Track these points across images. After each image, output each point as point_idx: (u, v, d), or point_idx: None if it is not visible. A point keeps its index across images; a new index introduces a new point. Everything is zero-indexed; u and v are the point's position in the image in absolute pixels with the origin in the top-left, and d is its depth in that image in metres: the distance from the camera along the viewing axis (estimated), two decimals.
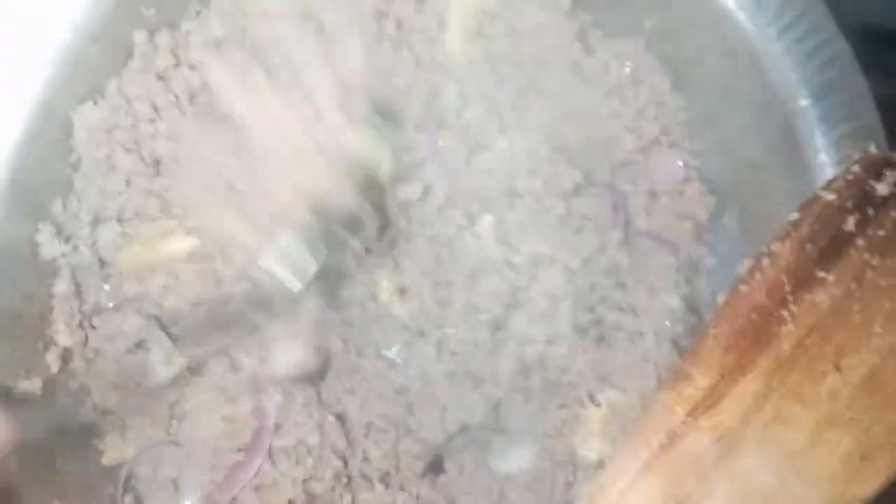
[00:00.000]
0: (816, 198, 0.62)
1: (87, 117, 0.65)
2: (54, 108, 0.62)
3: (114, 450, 0.67)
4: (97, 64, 0.65)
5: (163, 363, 0.65)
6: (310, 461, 0.65)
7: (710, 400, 0.59)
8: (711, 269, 0.80)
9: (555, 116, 0.73)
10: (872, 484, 0.60)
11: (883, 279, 0.60)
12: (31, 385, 0.61)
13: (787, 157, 0.67)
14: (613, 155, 0.75)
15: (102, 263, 0.69)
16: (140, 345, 0.67)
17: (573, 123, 0.74)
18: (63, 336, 0.67)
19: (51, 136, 0.63)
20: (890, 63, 0.97)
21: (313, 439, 0.65)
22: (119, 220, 0.69)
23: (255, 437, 0.66)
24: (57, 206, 0.66)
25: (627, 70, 0.75)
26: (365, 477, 0.67)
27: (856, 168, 0.62)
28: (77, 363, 0.68)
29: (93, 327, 0.69)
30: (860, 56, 0.66)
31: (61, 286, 0.66)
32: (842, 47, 0.64)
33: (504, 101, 0.72)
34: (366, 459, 0.68)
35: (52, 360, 0.65)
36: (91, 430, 0.69)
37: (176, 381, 0.66)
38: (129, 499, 0.67)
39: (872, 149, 0.63)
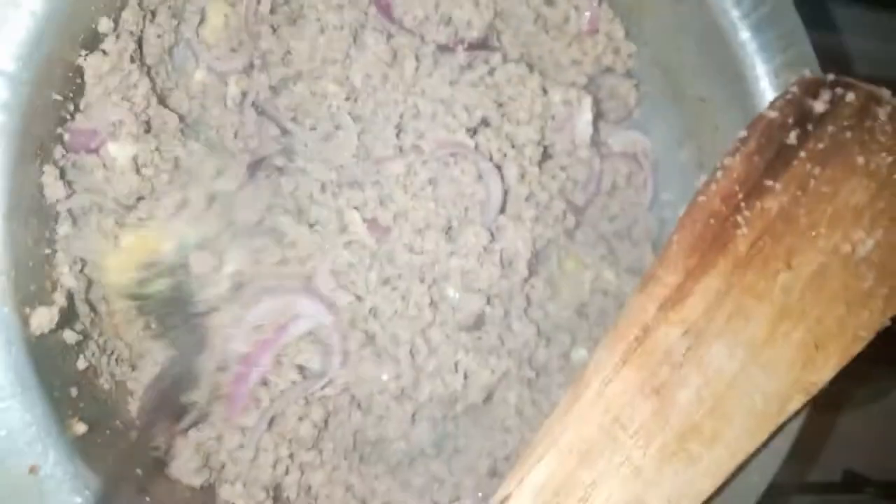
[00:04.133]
0: (761, 116, 0.69)
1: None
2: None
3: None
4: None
5: None
6: None
7: (677, 296, 0.65)
8: (672, 204, 0.87)
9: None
10: (826, 370, 0.66)
11: (824, 186, 0.67)
12: (49, 312, 0.63)
13: (732, 89, 0.74)
14: None
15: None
16: None
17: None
18: (67, 278, 0.70)
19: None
20: (828, 15, 1.06)
21: None
22: None
23: None
24: (59, 151, 0.69)
25: (586, 20, 0.82)
26: None
27: (794, 89, 0.70)
28: (80, 305, 0.72)
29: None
30: (802, 10, 0.73)
31: (64, 229, 0.69)
32: None
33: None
34: None
35: (59, 299, 0.68)
36: (95, 370, 0.73)
37: None
38: None
39: (808, 73, 0.71)
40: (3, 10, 0.60)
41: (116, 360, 0.77)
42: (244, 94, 0.79)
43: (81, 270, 0.73)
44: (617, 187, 0.88)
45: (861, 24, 1.11)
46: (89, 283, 0.75)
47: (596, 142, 0.86)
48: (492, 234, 0.76)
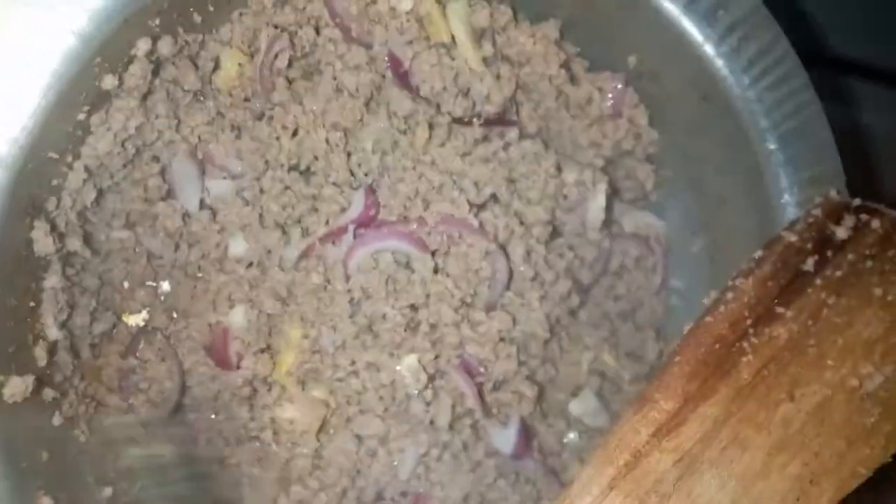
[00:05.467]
0: (779, 238, 0.66)
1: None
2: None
3: None
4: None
5: None
6: None
7: (673, 423, 0.62)
8: (681, 292, 0.85)
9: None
10: None
11: (837, 317, 0.65)
12: (23, 382, 0.62)
13: (754, 196, 0.72)
14: None
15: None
16: None
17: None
18: (51, 330, 0.68)
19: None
20: (846, 91, 1.03)
21: None
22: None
23: None
24: (51, 204, 0.67)
25: (609, 103, 0.79)
26: None
27: (817, 211, 0.67)
28: (62, 355, 0.70)
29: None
30: (825, 86, 0.71)
31: (52, 280, 0.68)
32: (810, 97, 0.68)
33: None
34: None
35: (40, 354, 0.67)
36: (72, 421, 0.71)
37: None
38: None
39: (833, 194, 0.68)
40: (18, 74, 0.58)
41: (96, 406, 0.76)
42: None
43: (68, 319, 0.72)
44: (625, 268, 0.86)
45: (883, 103, 1.07)
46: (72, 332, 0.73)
47: (608, 220, 0.83)
48: (513, 318, 0.74)
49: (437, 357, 0.71)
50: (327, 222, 0.73)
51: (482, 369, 0.74)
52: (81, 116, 0.66)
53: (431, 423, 0.72)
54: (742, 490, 0.63)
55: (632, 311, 0.87)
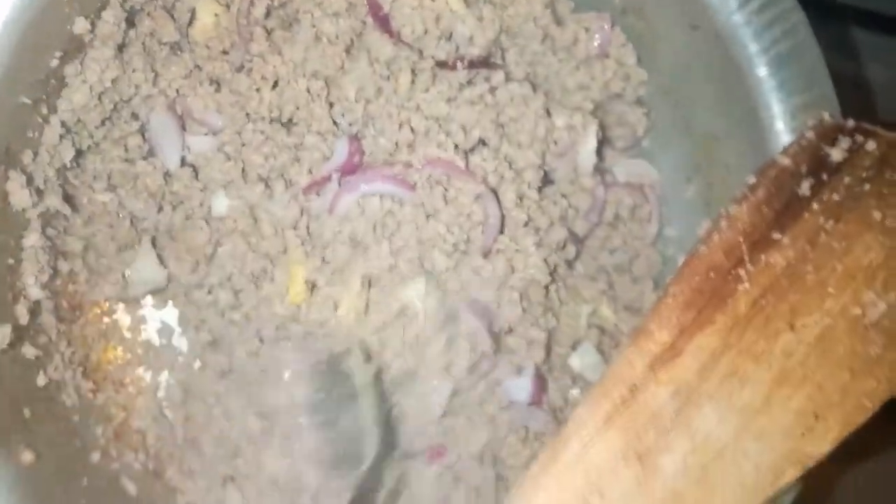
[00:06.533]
0: (773, 163, 0.65)
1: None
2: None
3: None
4: None
5: None
6: None
7: (669, 354, 0.61)
8: (677, 241, 0.83)
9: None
10: (825, 442, 0.62)
11: (836, 242, 0.63)
12: (2, 331, 0.60)
13: (746, 128, 0.70)
14: None
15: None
16: None
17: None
18: (33, 289, 0.66)
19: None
20: (850, 41, 1.01)
21: None
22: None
23: None
24: (27, 157, 0.66)
25: (596, 43, 0.77)
26: None
27: (810, 134, 0.65)
28: (46, 317, 0.69)
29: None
30: (823, 34, 0.68)
31: (31, 238, 0.66)
32: (799, 19, 0.66)
33: None
34: None
35: (20, 312, 0.65)
36: (58, 385, 0.70)
37: None
38: None
39: (826, 117, 0.66)
40: None
41: (84, 373, 0.74)
42: None
43: (50, 281, 0.70)
44: (620, 219, 0.84)
45: (885, 52, 1.05)
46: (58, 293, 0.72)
47: (600, 170, 0.81)
48: (510, 264, 0.73)
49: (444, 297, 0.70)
50: (310, 171, 0.71)
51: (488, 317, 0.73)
52: (54, 63, 0.64)
53: (448, 369, 0.70)
54: (743, 424, 0.61)
55: (628, 263, 0.85)
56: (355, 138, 0.72)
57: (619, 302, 0.84)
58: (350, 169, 0.71)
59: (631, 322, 0.82)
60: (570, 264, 0.81)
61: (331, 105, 0.74)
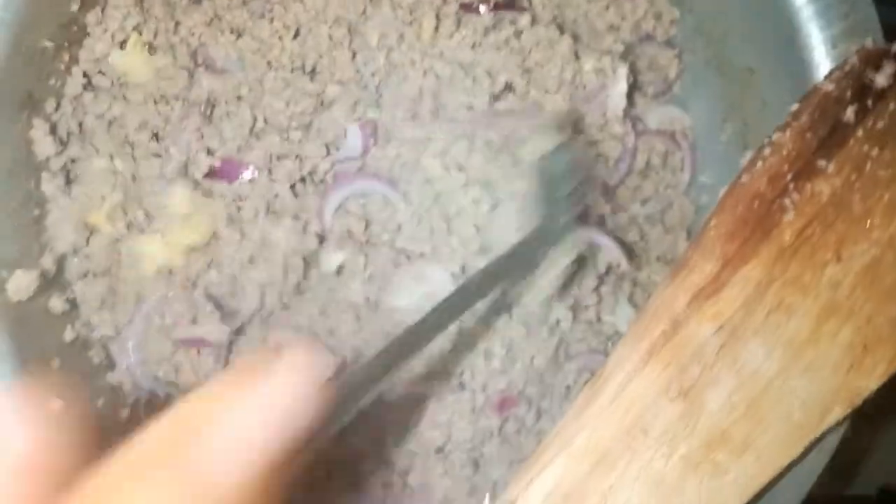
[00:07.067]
0: (815, 89, 0.62)
1: None
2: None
3: None
4: None
5: None
6: None
7: (713, 287, 0.59)
8: (710, 188, 0.80)
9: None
10: (874, 377, 0.60)
11: (882, 170, 0.61)
12: (27, 275, 0.59)
13: (784, 59, 0.67)
14: None
15: None
16: None
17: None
18: (60, 242, 0.66)
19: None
20: None
21: None
22: None
23: None
24: (50, 105, 0.65)
25: None
26: None
27: (854, 60, 0.62)
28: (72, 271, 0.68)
29: None
30: None
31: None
32: None
33: None
34: None
35: (47, 262, 0.64)
36: (86, 342, 0.69)
37: None
38: None
39: (870, 42, 0.64)
40: None
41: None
42: None
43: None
44: (651, 167, 0.81)
45: None
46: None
47: (630, 116, 0.79)
48: None
49: None
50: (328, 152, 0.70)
51: None
52: (74, 7, 0.63)
53: None
54: (790, 359, 0.59)
55: (661, 213, 0.83)
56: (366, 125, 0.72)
57: (651, 253, 0.81)
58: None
59: (664, 273, 0.80)
60: (601, 219, 0.79)
61: (353, 55, 0.72)
